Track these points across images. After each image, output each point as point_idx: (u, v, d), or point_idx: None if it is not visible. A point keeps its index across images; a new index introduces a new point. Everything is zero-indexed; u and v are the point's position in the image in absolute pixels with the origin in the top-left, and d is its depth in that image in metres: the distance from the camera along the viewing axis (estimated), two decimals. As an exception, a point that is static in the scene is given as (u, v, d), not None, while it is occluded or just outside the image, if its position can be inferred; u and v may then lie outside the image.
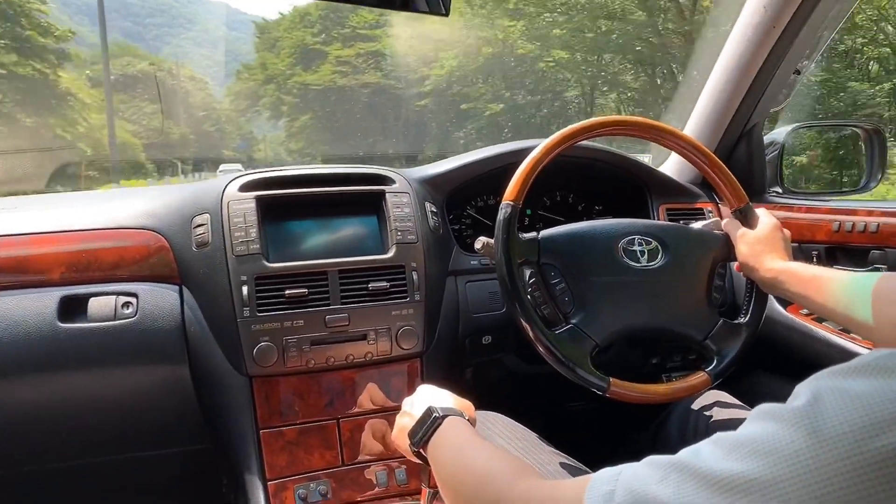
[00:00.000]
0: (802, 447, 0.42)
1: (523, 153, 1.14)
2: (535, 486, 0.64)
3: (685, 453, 0.50)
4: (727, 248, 1.17)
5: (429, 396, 0.94)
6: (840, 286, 0.95)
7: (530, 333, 1.04)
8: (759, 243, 1.10)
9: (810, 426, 0.42)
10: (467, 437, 0.80)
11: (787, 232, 1.13)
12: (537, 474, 0.68)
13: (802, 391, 0.46)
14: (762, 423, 0.46)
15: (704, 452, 0.48)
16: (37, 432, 1.31)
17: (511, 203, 1.08)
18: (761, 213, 1.16)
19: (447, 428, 0.83)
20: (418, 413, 0.90)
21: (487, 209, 1.60)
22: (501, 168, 1.41)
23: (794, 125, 1.72)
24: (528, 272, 1.11)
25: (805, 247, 1.42)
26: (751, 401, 1.21)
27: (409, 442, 0.87)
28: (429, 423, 0.85)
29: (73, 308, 1.21)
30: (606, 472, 0.55)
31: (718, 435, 0.49)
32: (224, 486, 1.57)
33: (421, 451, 0.85)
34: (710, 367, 1.10)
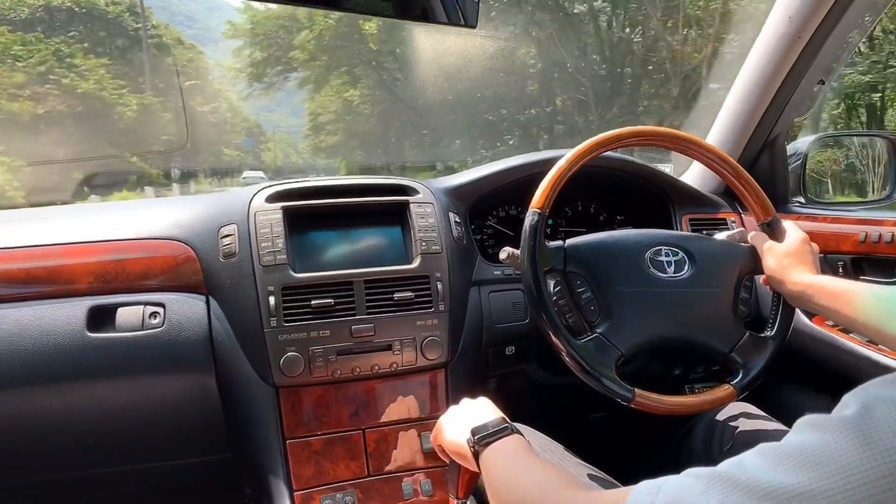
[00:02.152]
0: (855, 458, 0.41)
1: (546, 164, 1.15)
2: (575, 496, 0.65)
3: (728, 465, 0.50)
4: (754, 260, 1.16)
5: (489, 409, 0.94)
6: (869, 300, 0.94)
7: (555, 342, 1.04)
8: (787, 256, 1.10)
9: (862, 437, 0.42)
10: (527, 451, 0.82)
11: (815, 246, 1.13)
12: (578, 485, 0.69)
13: (851, 401, 0.45)
14: (810, 433, 0.46)
15: (749, 463, 0.48)
16: (64, 440, 1.32)
17: (538, 211, 1.09)
18: (789, 226, 1.15)
19: (512, 439, 0.85)
20: (482, 415, 0.91)
21: (510, 219, 1.61)
22: (524, 178, 1.42)
23: (818, 135, 1.71)
24: (553, 281, 1.11)
25: (831, 257, 1.41)
26: (777, 413, 1.21)
27: (467, 436, 0.87)
28: (500, 429, 0.86)
29: (101, 318, 1.22)
30: (647, 484, 0.55)
31: (763, 445, 0.49)
32: (246, 496, 1.58)
33: (476, 447, 0.85)
34: (736, 380, 1.09)
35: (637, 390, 1.03)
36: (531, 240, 1.07)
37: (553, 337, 1.05)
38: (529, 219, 1.09)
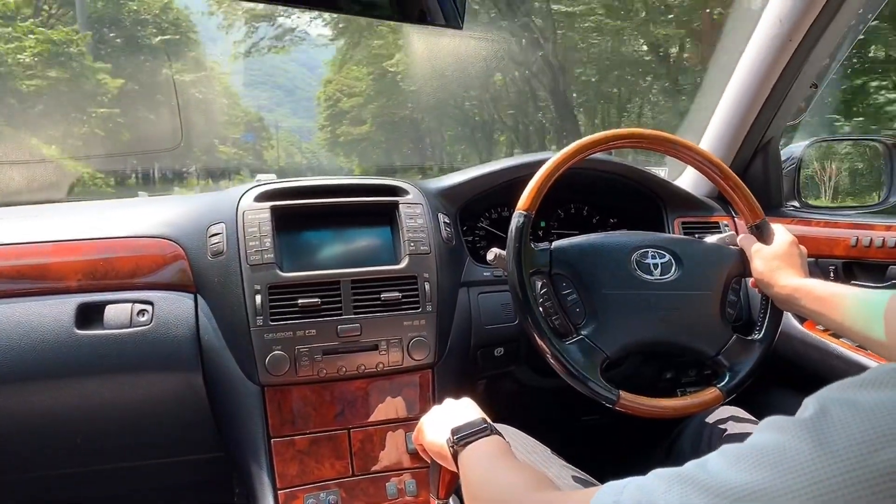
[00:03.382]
0: (808, 458, 0.41)
1: (537, 165, 1.14)
2: (546, 497, 0.66)
3: (691, 465, 0.50)
4: (742, 263, 1.16)
5: (471, 409, 0.94)
6: (855, 303, 0.94)
7: (540, 344, 1.04)
8: (775, 259, 1.10)
9: (817, 438, 0.42)
10: (504, 452, 0.82)
11: (803, 248, 1.12)
12: (554, 487, 0.69)
13: (810, 403, 0.46)
14: (769, 434, 0.46)
15: (710, 463, 0.48)
16: (52, 437, 1.32)
17: (524, 213, 1.09)
18: (778, 228, 1.15)
19: (491, 440, 0.85)
20: (464, 415, 0.91)
21: (501, 221, 1.61)
22: (515, 180, 1.42)
23: (812, 139, 1.71)
24: (539, 282, 1.11)
25: (822, 262, 1.41)
26: (766, 417, 1.20)
27: (447, 436, 0.87)
28: (479, 429, 0.86)
29: (89, 315, 1.22)
30: (612, 485, 0.55)
31: (725, 446, 0.49)
32: (236, 494, 1.58)
33: (456, 448, 0.85)
34: (723, 383, 1.09)
35: (622, 393, 1.02)
36: (517, 241, 1.08)
37: (538, 339, 1.05)
38: (515, 220, 1.09)
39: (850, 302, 0.95)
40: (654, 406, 1.04)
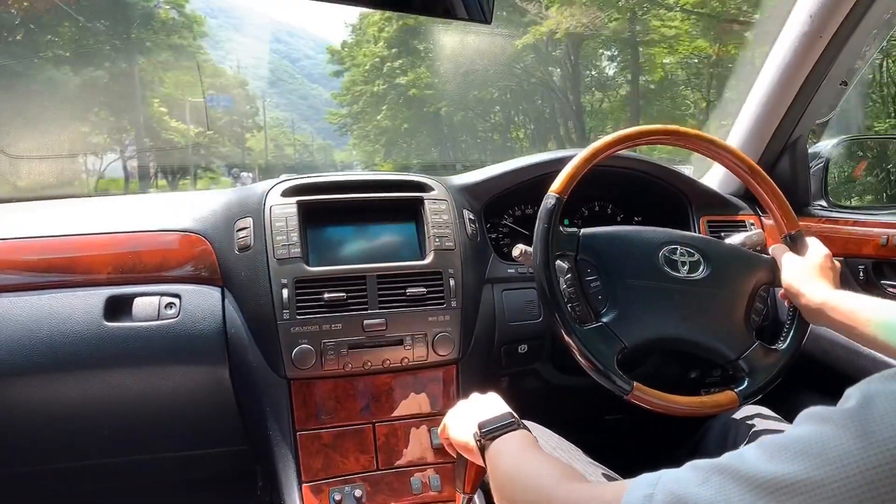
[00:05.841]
0: (851, 449, 0.41)
1: (562, 162, 1.14)
2: (578, 487, 0.66)
3: (728, 456, 0.50)
4: (772, 272, 1.14)
5: (498, 403, 0.95)
6: (887, 318, 0.93)
7: (559, 327, 1.03)
8: (807, 271, 1.08)
9: (860, 428, 0.42)
10: (532, 446, 0.82)
11: (837, 263, 1.10)
12: (580, 478, 0.69)
13: (853, 394, 0.45)
14: (810, 424, 0.46)
15: (748, 455, 0.48)
16: (79, 428, 1.34)
17: (557, 195, 1.08)
18: (813, 241, 1.13)
19: (518, 434, 0.85)
20: (491, 410, 0.91)
21: (525, 218, 1.60)
22: (540, 177, 1.41)
23: (841, 137, 1.69)
24: (564, 267, 1.10)
25: (851, 262, 1.39)
26: (793, 418, 1.18)
27: (474, 430, 0.88)
28: (506, 423, 0.86)
29: (118, 307, 1.24)
30: (647, 476, 0.55)
31: (763, 438, 0.49)
32: (259, 487, 1.59)
33: (483, 441, 0.86)
34: (741, 388, 1.07)
35: (636, 384, 1.01)
36: (546, 222, 1.07)
37: (557, 321, 1.03)
38: (546, 201, 1.08)
39: (882, 317, 0.93)
40: (667, 402, 1.02)
